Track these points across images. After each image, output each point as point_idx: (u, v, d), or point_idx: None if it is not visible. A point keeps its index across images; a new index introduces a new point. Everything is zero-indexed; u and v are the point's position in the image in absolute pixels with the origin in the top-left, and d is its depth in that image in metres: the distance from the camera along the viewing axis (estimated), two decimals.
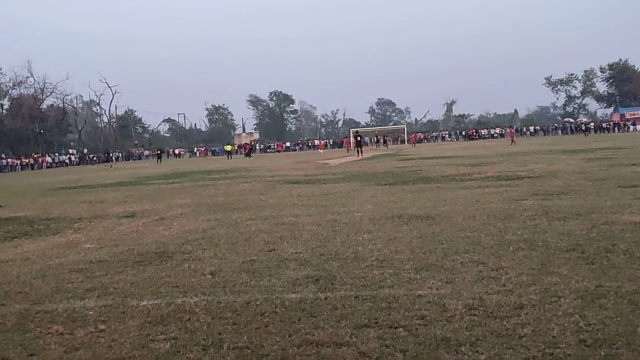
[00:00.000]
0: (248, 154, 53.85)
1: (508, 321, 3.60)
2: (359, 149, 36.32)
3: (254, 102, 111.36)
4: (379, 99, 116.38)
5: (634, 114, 73.53)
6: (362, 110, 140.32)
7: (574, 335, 3.33)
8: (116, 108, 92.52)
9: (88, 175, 31.89)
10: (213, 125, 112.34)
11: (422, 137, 77.13)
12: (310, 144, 79.11)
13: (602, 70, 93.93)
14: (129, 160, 75.44)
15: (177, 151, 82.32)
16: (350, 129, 64.00)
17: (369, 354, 3.26)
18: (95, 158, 70.38)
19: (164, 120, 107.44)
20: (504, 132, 72.88)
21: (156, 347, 3.56)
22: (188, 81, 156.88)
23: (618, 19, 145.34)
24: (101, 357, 3.48)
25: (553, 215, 7.34)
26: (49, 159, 67.24)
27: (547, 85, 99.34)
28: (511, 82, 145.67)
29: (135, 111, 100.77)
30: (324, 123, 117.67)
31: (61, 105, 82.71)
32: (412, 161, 24.69)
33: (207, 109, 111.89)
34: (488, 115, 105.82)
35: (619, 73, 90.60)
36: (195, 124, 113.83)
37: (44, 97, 79.80)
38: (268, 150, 78.44)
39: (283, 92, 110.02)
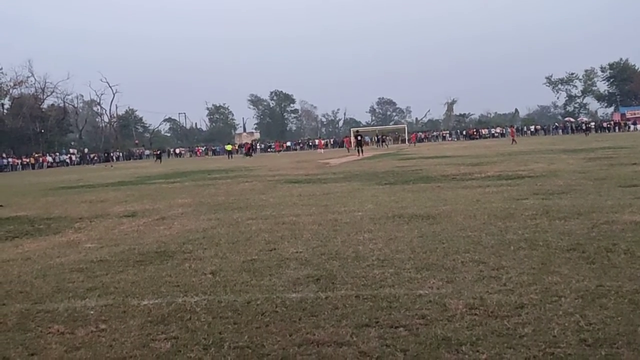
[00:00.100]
0: (248, 154, 53.84)
1: (509, 321, 3.60)
2: (360, 149, 36.41)
3: (255, 101, 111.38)
4: (379, 98, 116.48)
5: (634, 114, 73.46)
6: (362, 109, 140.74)
7: (575, 334, 3.33)
8: (117, 107, 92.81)
9: (89, 174, 31.90)
10: (214, 124, 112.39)
11: (422, 136, 77.12)
12: (311, 144, 79.08)
13: (602, 69, 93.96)
14: (129, 159, 75.46)
15: (177, 150, 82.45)
16: (351, 129, 64.00)
17: (369, 353, 3.26)
18: (95, 158, 70.42)
19: (165, 120, 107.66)
20: (504, 132, 72.85)
21: (157, 347, 3.56)
22: (189, 81, 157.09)
23: (619, 19, 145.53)
24: (102, 356, 3.48)
25: (554, 214, 7.34)
26: (49, 158, 67.26)
27: (548, 84, 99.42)
28: (512, 81, 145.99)
29: (136, 111, 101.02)
30: (325, 123, 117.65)
31: (62, 104, 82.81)
32: (412, 161, 24.68)
33: (207, 109, 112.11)
34: (489, 115, 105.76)
35: (620, 72, 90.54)
36: (196, 124, 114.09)
37: (44, 96, 79.96)
38: (269, 149, 78.40)
39: (284, 91, 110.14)
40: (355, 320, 3.79)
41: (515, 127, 62.97)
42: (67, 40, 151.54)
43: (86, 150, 78.10)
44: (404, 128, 76.72)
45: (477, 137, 74.00)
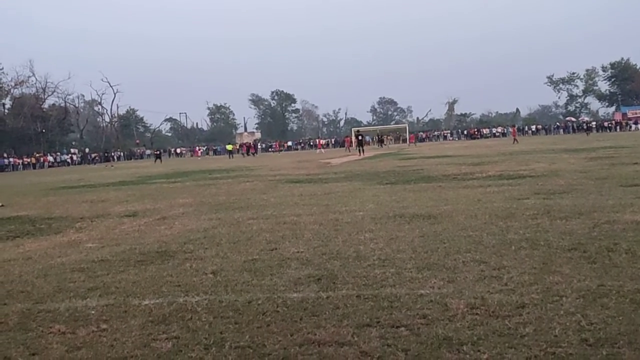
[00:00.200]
0: (248, 153, 53.77)
1: (510, 320, 3.60)
2: (361, 148, 36.42)
3: (256, 101, 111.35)
4: (380, 98, 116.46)
5: (635, 113, 73.35)
6: (363, 109, 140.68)
7: (576, 334, 3.32)
8: (118, 107, 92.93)
9: (90, 174, 31.92)
10: (215, 124, 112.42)
11: (424, 136, 77.10)
12: (312, 143, 79.08)
13: (604, 69, 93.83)
14: (130, 159, 75.51)
15: (178, 150, 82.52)
16: (352, 128, 63.99)
17: (370, 353, 3.26)
18: (96, 157, 70.45)
19: (166, 120, 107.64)
20: (505, 131, 72.80)
21: (158, 347, 3.56)
22: (189, 81, 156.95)
23: (620, 18, 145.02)
24: (103, 356, 3.48)
25: (555, 214, 7.33)
26: (50, 158, 67.27)
27: (549, 84, 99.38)
28: (513, 81, 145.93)
29: (137, 110, 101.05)
30: (326, 122, 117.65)
31: (63, 104, 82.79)
32: (413, 160, 24.67)
33: (208, 108, 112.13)
34: (490, 115, 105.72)
35: (621, 72, 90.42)
36: (196, 123, 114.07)
37: (45, 96, 79.93)
38: (270, 149, 78.41)
39: (284, 91, 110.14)
40: (357, 320, 3.79)
41: (516, 127, 62.90)
42: (67, 40, 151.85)
43: (87, 150, 78.16)
44: (405, 128, 76.72)
45: (478, 136, 73.95)
